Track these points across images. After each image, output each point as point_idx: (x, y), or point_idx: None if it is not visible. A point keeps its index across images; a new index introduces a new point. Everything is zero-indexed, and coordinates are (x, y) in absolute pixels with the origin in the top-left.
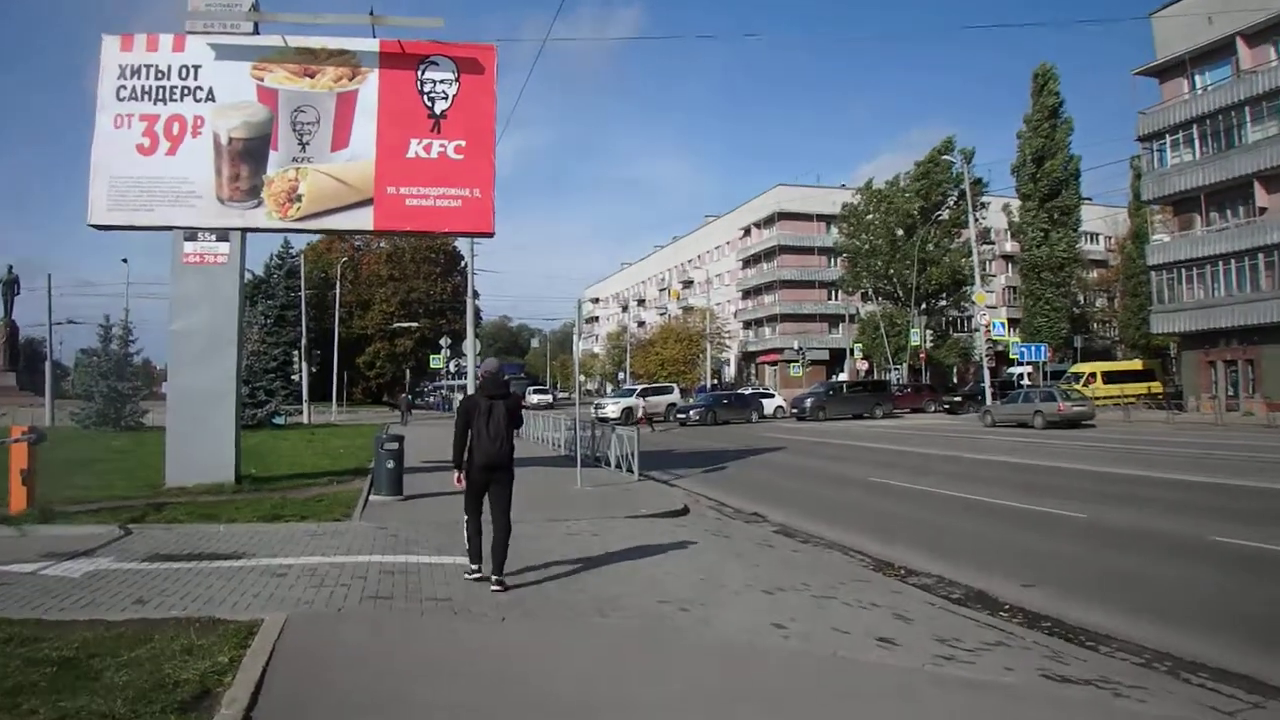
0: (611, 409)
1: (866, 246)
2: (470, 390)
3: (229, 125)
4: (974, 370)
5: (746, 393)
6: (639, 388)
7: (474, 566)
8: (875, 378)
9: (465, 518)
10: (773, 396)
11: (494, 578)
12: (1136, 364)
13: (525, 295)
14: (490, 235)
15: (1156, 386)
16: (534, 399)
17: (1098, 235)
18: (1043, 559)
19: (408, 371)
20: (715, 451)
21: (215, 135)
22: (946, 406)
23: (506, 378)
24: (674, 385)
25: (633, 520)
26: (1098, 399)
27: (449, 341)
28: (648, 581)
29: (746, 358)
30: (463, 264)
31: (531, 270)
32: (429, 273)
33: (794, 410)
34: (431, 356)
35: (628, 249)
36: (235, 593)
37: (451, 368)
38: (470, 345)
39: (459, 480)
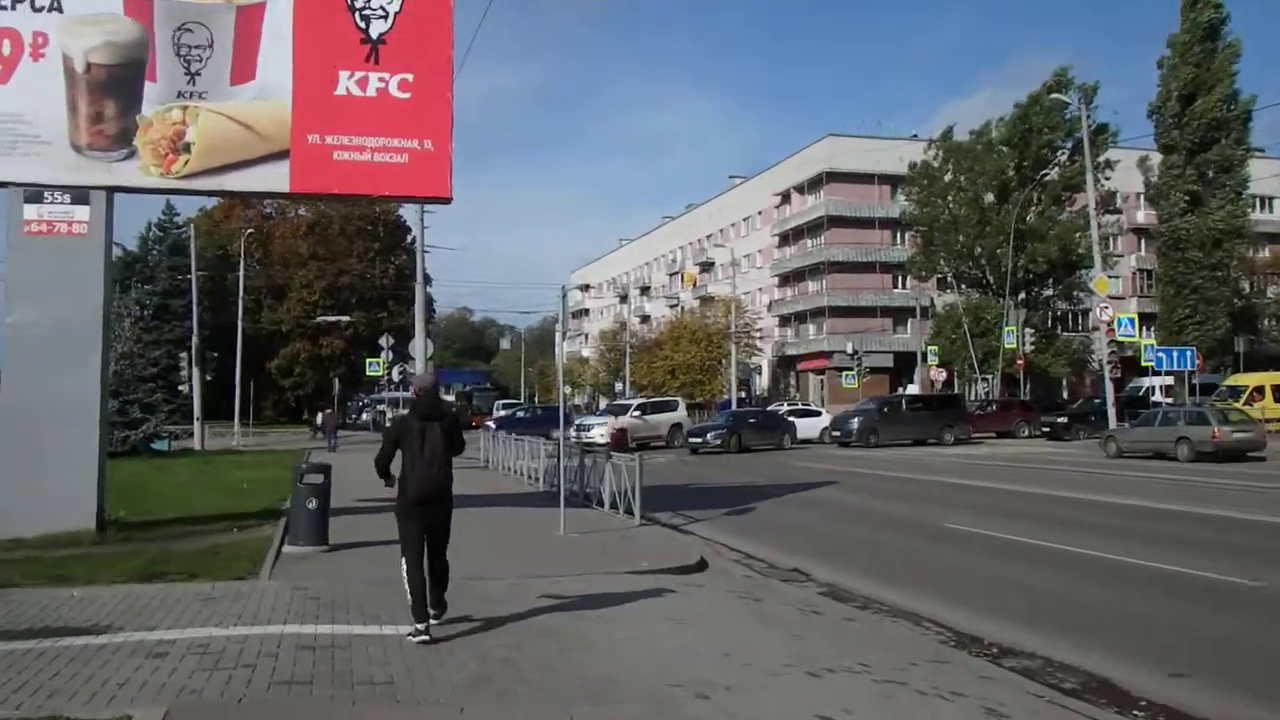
0: (599, 431)
1: (945, 217)
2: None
3: (85, 46)
4: (1091, 383)
5: (782, 410)
6: (635, 402)
7: (419, 626)
8: (949, 391)
9: (404, 566)
10: (818, 414)
11: (430, 621)
12: None
13: (493, 281)
14: (447, 201)
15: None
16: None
17: (1272, 200)
18: (1198, 639)
19: (336, 381)
20: (740, 487)
21: (66, 59)
22: (1046, 429)
23: (468, 388)
24: (679, 400)
25: (634, 577)
26: (1268, 422)
27: (391, 341)
28: (653, 657)
29: (784, 364)
30: (410, 239)
31: (502, 249)
32: (365, 250)
33: (835, 434)
34: (368, 360)
35: (628, 222)
36: (94, 681)
37: (394, 375)
38: (420, 345)
39: (388, 486)
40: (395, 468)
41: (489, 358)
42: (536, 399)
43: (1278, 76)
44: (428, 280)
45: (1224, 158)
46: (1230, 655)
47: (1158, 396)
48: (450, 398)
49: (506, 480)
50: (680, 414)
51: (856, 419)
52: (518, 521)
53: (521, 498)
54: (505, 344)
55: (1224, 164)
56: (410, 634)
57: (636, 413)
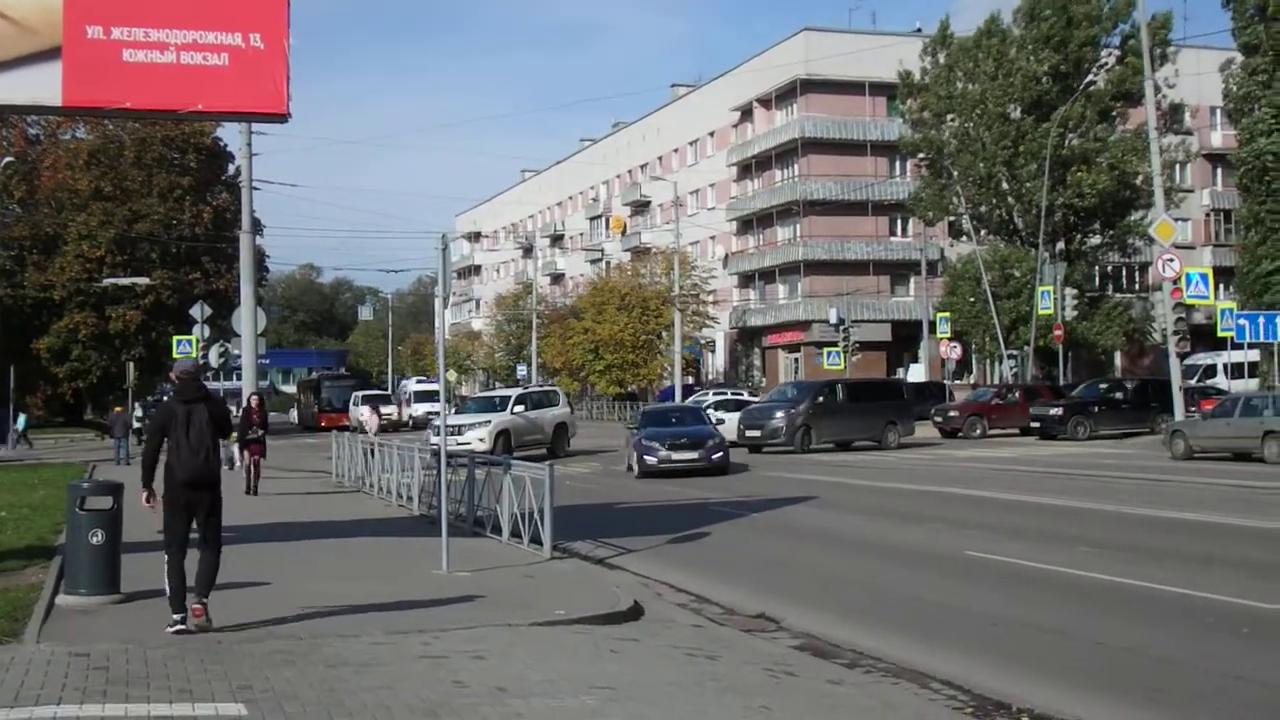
0: (476, 435)
1: (957, 140)
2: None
3: None
4: (1151, 359)
5: (705, 403)
6: (514, 394)
7: (176, 617)
8: (893, 376)
9: (166, 555)
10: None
11: (192, 607)
12: None
13: (349, 229)
14: (283, 119)
15: None
16: (363, 413)
17: None
18: (1258, 691)
19: (131, 366)
20: (685, 507)
21: None
22: (1036, 424)
23: (315, 375)
24: (559, 391)
25: (544, 630)
26: None
27: (207, 311)
28: None
29: (745, 337)
30: (233, 172)
31: (360, 185)
32: (170, 188)
33: (748, 434)
34: (176, 339)
35: (533, 148)
36: None
37: (213, 357)
38: (248, 317)
39: (147, 501)
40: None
41: (344, 333)
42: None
43: None
44: (257, 228)
45: None
46: None
47: (1221, 379)
48: (290, 388)
49: (369, 501)
50: (562, 410)
51: (780, 412)
52: (384, 557)
53: (389, 525)
54: (366, 313)
55: None
56: (168, 625)
57: (519, 408)
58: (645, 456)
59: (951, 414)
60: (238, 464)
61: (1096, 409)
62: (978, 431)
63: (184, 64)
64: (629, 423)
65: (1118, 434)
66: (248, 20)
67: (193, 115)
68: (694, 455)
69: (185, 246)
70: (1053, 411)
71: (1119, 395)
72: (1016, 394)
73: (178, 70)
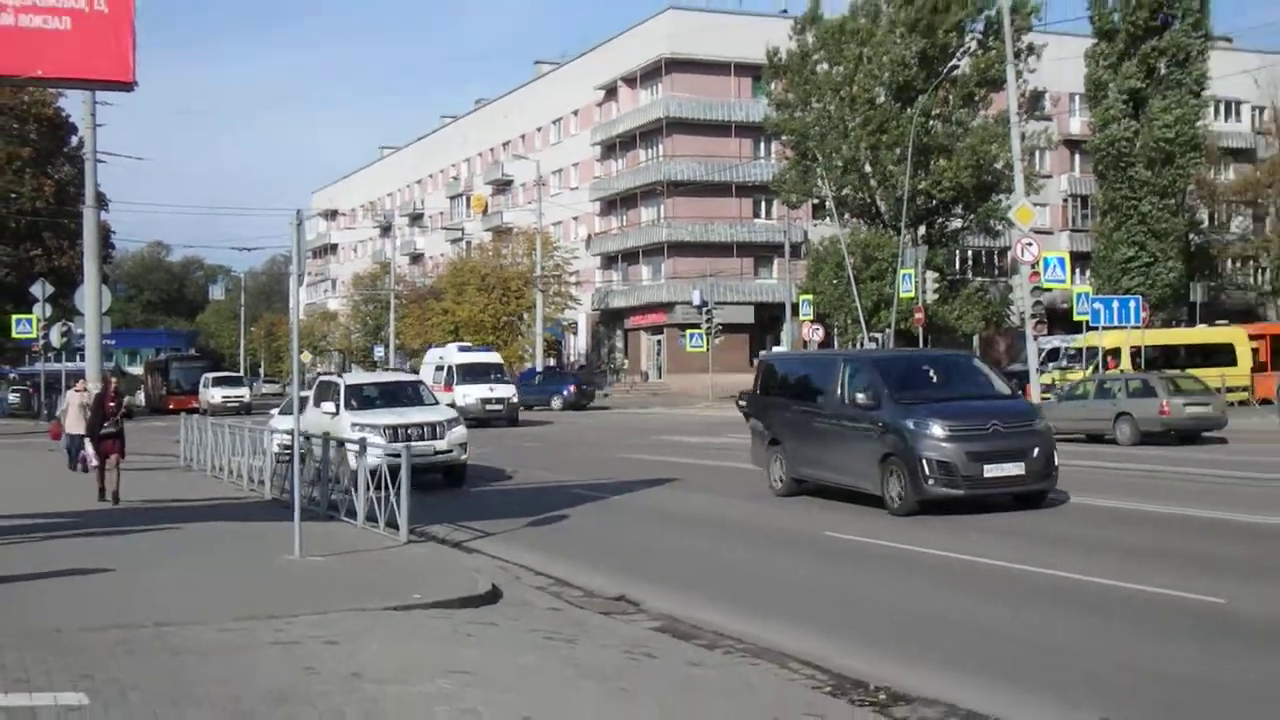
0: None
1: (822, 124)
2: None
3: None
4: (1008, 343)
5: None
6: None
7: None
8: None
9: None
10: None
11: None
12: (1214, 333)
13: (199, 206)
14: (129, 87)
15: (1240, 373)
16: (216, 396)
17: (1239, 105)
18: (1136, 671)
19: None
20: (546, 489)
21: None
22: None
23: (163, 356)
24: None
25: (400, 615)
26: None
27: (48, 290)
28: None
29: (608, 319)
30: (76, 143)
31: (212, 160)
32: (7, 160)
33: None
34: (15, 318)
35: (393, 124)
36: None
37: (54, 336)
38: (92, 295)
39: None
40: None
41: (194, 313)
42: (263, 369)
43: None
44: (102, 202)
45: (1176, 45)
46: (1180, 692)
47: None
48: (137, 370)
49: (219, 484)
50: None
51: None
52: (234, 542)
53: (239, 508)
54: (217, 293)
55: (1178, 56)
56: None
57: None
58: None
59: None
60: (92, 464)
61: None
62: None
63: (21, 26)
64: None
65: None
66: None
67: (32, 81)
68: None
69: (25, 221)
70: None
71: None
72: None
73: (15, 33)
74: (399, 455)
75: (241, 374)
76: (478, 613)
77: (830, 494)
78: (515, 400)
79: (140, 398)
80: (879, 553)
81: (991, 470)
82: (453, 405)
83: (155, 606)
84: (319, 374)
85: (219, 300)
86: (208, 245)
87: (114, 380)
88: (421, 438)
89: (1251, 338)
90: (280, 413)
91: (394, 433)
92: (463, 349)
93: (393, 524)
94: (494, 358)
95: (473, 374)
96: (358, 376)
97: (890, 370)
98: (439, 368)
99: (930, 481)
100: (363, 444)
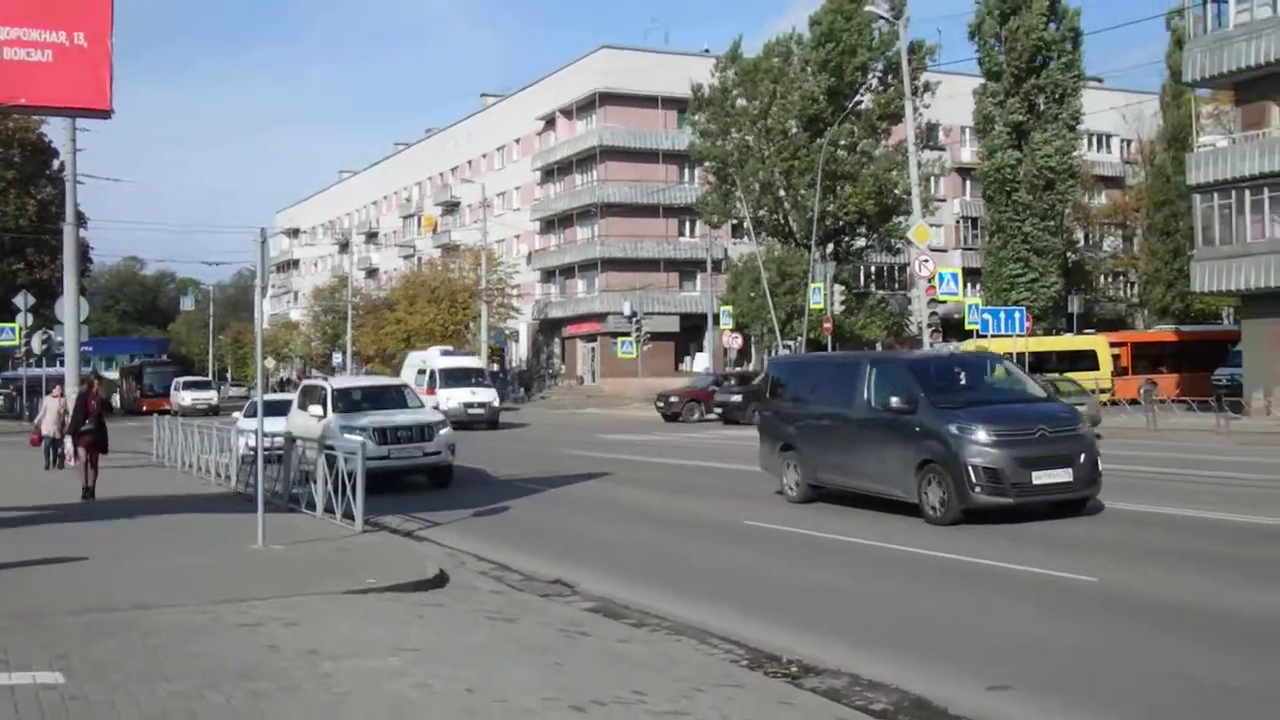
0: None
1: (740, 152)
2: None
3: None
4: (909, 349)
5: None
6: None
7: None
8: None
9: None
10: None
11: None
12: (1080, 341)
13: (171, 225)
14: (106, 114)
15: (1102, 378)
16: (186, 398)
17: (1109, 138)
18: (1025, 646)
19: None
20: (492, 483)
21: None
22: (719, 409)
23: (137, 361)
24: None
25: (354, 598)
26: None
27: (30, 300)
28: (378, 701)
29: (547, 329)
30: (57, 166)
31: (183, 182)
32: None
33: None
34: (0, 326)
35: (350, 150)
36: None
37: (36, 344)
38: (71, 305)
39: None
40: None
41: (166, 322)
42: (230, 374)
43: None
44: (81, 221)
45: (1053, 84)
46: (1059, 661)
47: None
48: (113, 374)
49: (188, 480)
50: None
51: None
52: (202, 532)
53: (207, 501)
54: (188, 304)
55: (1056, 93)
56: None
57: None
58: None
59: (672, 399)
60: (71, 462)
61: None
62: (695, 416)
63: (7, 59)
64: None
65: None
66: (72, 19)
67: (16, 108)
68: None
69: (9, 238)
70: (734, 398)
71: None
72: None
73: (0, 65)
74: (387, 457)
75: (210, 378)
76: (427, 595)
77: (833, 498)
78: (496, 404)
79: (116, 400)
80: (793, 540)
81: (1041, 477)
82: (436, 408)
83: (129, 592)
84: (300, 379)
85: (189, 311)
86: (179, 260)
87: (96, 383)
88: (410, 440)
89: (1113, 345)
90: (244, 415)
91: (382, 434)
92: (445, 353)
93: (349, 515)
94: (476, 362)
95: (455, 378)
96: (345, 380)
97: (924, 372)
98: (421, 371)
99: (977, 489)
100: (322, 444)
